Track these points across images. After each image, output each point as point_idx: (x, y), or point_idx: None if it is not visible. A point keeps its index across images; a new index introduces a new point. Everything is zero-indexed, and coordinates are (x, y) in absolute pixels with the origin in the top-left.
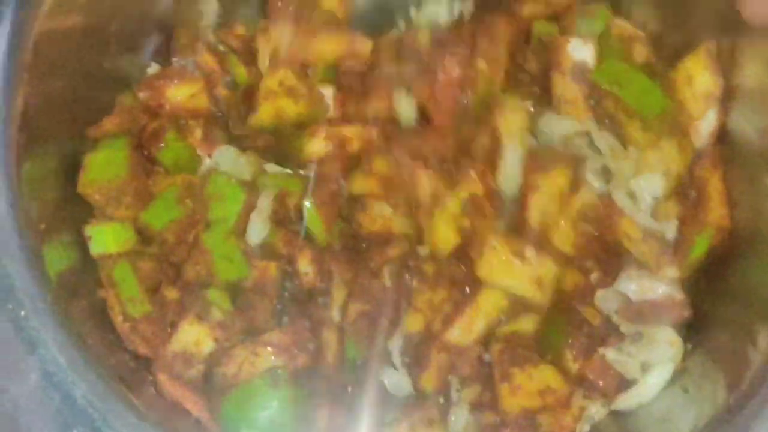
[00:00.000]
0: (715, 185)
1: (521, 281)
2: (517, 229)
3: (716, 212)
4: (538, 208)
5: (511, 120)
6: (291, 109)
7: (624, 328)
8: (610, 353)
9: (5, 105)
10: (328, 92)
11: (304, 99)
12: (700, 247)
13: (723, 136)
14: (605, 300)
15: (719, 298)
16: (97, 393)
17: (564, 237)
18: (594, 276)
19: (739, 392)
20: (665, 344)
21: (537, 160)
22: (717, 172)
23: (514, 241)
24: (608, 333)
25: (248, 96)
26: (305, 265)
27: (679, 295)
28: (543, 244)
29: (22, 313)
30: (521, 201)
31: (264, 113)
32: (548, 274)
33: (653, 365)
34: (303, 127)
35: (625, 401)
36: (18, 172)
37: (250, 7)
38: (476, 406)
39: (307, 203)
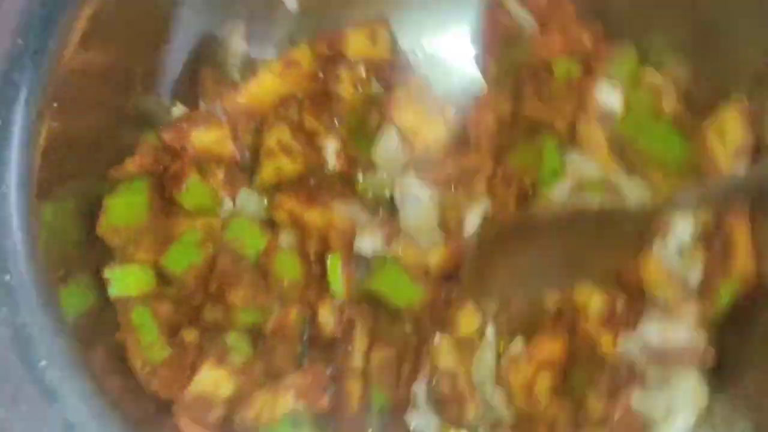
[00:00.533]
0: (742, 236)
1: None
2: None
3: (743, 263)
4: None
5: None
6: (289, 168)
7: (648, 372)
8: (634, 396)
9: (27, 145)
10: (330, 146)
11: (301, 158)
12: (725, 295)
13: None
14: (627, 343)
15: (745, 345)
16: None
17: None
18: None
19: None
20: (689, 391)
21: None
22: (744, 223)
23: None
24: (632, 376)
25: (256, 153)
26: (326, 315)
27: (701, 343)
28: None
29: (42, 363)
30: None
31: (266, 170)
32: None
33: (678, 410)
34: None
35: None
36: (37, 214)
37: (276, 45)
38: None
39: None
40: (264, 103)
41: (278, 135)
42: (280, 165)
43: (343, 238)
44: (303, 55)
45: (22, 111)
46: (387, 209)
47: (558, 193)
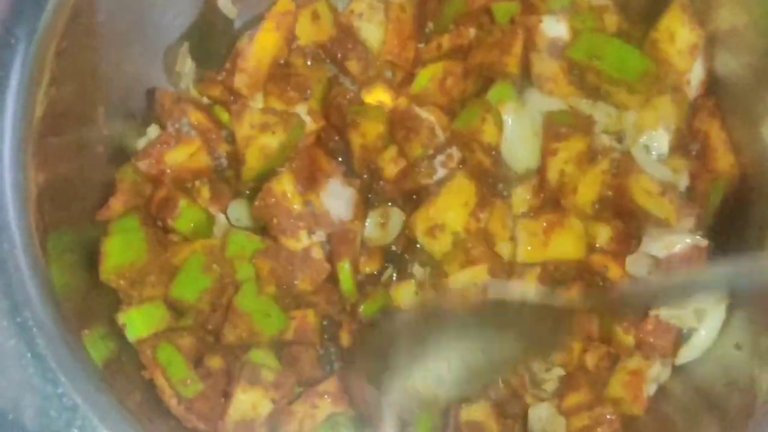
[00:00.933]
0: (716, 134)
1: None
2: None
3: (723, 160)
4: (557, 172)
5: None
6: (272, 141)
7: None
8: (662, 312)
9: (24, 210)
10: (302, 109)
11: (280, 126)
12: (715, 195)
13: (714, 86)
14: (635, 265)
15: (741, 249)
16: None
17: (584, 200)
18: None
19: None
20: None
21: (553, 127)
22: (716, 122)
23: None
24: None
25: (236, 157)
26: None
27: (703, 242)
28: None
29: (93, 423)
30: (541, 169)
31: (252, 160)
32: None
33: (706, 311)
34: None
35: (686, 354)
36: (48, 271)
37: (220, 56)
38: None
39: (345, 265)
40: (265, 66)
41: (248, 119)
42: (262, 144)
43: (349, 242)
44: (287, 3)
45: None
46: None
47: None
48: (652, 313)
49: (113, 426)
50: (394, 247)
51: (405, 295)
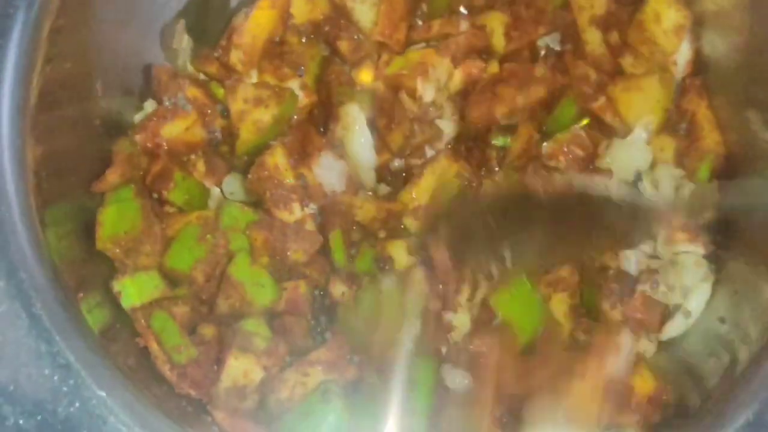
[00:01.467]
0: (704, 114)
1: None
2: None
3: (710, 139)
4: None
5: None
6: (266, 115)
7: (654, 264)
8: (648, 289)
9: (21, 179)
10: (294, 84)
11: (273, 99)
12: (702, 173)
13: (701, 67)
14: (629, 262)
15: (730, 227)
16: None
17: None
18: None
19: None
20: (694, 266)
21: None
22: (703, 102)
23: None
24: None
25: (230, 131)
26: (338, 288)
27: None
28: None
29: (86, 382)
30: None
31: (245, 134)
32: None
33: (692, 288)
34: None
35: (672, 329)
36: (45, 239)
37: (217, 33)
38: None
39: (337, 236)
40: (260, 42)
41: (242, 94)
42: (256, 118)
43: (341, 214)
44: None
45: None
46: None
47: None
48: (639, 288)
49: (106, 385)
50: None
51: (398, 249)
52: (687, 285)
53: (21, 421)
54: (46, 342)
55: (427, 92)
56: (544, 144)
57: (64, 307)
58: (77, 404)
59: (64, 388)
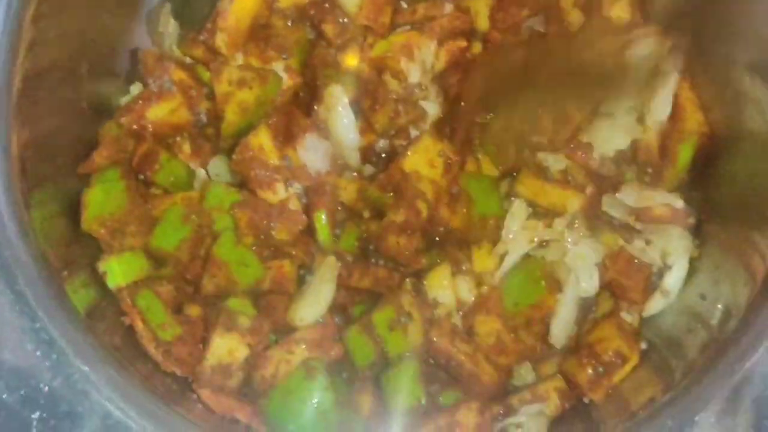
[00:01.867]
0: (686, 95)
1: None
2: None
3: (693, 120)
4: None
5: None
6: (250, 97)
7: (639, 225)
8: (630, 246)
9: (5, 158)
10: (279, 66)
11: (257, 81)
12: (685, 153)
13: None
14: (611, 206)
15: (714, 206)
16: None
17: None
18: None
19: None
20: (677, 237)
21: None
22: (685, 83)
23: None
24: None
25: (215, 114)
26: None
27: (678, 203)
28: None
29: (69, 357)
30: None
31: (230, 115)
32: None
33: (670, 256)
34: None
35: (653, 305)
36: (30, 220)
37: (203, 17)
38: None
39: (321, 216)
40: (244, 26)
41: (227, 76)
42: (240, 99)
43: (325, 194)
44: None
45: None
46: None
47: None
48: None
49: (89, 360)
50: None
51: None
52: (667, 250)
53: (4, 396)
54: (30, 318)
55: (412, 73)
56: None
57: (47, 285)
58: (60, 379)
59: (47, 363)
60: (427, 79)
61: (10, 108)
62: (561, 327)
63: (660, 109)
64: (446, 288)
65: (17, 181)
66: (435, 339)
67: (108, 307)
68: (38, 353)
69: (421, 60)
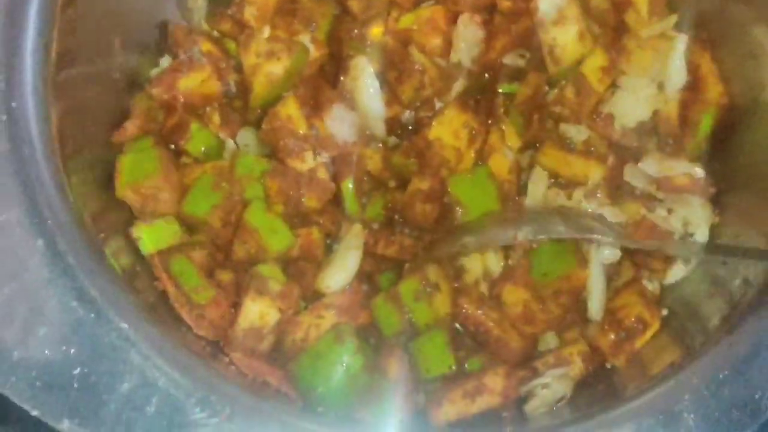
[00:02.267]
0: (707, 66)
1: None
2: None
3: (714, 90)
4: None
5: None
6: (278, 68)
7: (661, 195)
8: (652, 215)
9: (45, 126)
10: (305, 38)
11: (284, 52)
12: (705, 124)
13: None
14: (633, 176)
15: (734, 176)
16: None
17: None
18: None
19: None
20: (699, 206)
21: None
22: (707, 54)
23: None
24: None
25: (244, 85)
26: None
27: (699, 173)
28: None
29: (109, 316)
30: None
31: (258, 87)
32: None
33: (691, 224)
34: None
35: (674, 272)
36: (69, 185)
37: None
38: None
39: (348, 184)
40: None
41: (255, 48)
42: (268, 71)
43: (352, 164)
44: None
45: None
46: None
47: None
48: (642, 211)
49: (127, 318)
50: None
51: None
52: (689, 218)
53: (47, 351)
54: (70, 278)
55: (456, 54)
56: (549, 91)
57: (87, 246)
58: (101, 336)
59: (88, 321)
60: (468, 60)
61: (48, 80)
62: (596, 301)
63: (675, 75)
64: (474, 258)
65: (57, 149)
66: (464, 306)
67: (142, 272)
68: (80, 311)
69: (467, 39)
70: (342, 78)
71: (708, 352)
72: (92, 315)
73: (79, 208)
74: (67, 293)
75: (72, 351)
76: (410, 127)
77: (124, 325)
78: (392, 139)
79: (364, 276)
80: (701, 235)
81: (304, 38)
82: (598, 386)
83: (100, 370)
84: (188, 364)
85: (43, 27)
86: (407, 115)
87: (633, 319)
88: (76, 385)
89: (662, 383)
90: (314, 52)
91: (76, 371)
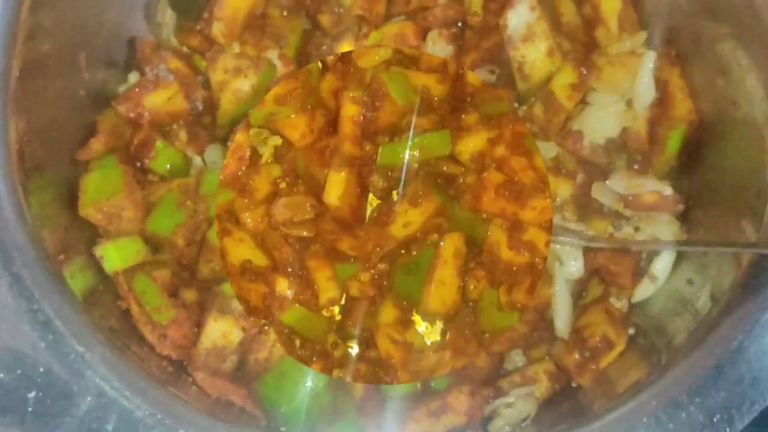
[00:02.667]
0: (676, 83)
1: None
2: None
3: (682, 107)
4: None
5: None
6: (245, 85)
7: (629, 212)
8: (619, 233)
9: (2, 144)
10: (273, 54)
11: (251, 69)
12: (674, 141)
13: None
14: (600, 193)
15: (702, 193)
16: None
17: None
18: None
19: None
20: (666, 224)
21: None
22: (675, 70)
23: None
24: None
25: (212, 102)
26: None
27: (667, 190)
28: None
29: (65, 338)
30: None
31: (226, 103)
32: None
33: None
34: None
35: (642, 290)
36: (27, 206)
37: (200, 7)
38: None
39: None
40: (241, 15)
41: (222, 64)
42: (235, 88)
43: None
44: None
45: None
46: None
47: None
48: (609, 230)
49: (85, 341)
50: None
51: None
52: (656, 236)
53: (1, 375)
54: (26, 299)
55: None
56: (519, 107)
57: (44, 267)
58: (56, 359)
59: (43, 344)
60: None
61: (8, 95)
62: (562, 319)
63: (644, 92)
64: None
65: (15, 167)
66: None
67: (105, 291)
68: (35, 334)
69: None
70: None
71: (667, 374)
72: (50, 337)
73: (38, 228)
74: (23, 315)
75: (27, 374)
76: None
77: (81, 348)
78: None
79: None
80: (668, 253)
81: (272, 54)
82: (564, 405)
83: (55, 392)
84: (145, 387)
85: (4, 40)
86: None
87: (598, 339)
88: (30, 409)
89: (623, 405)
90: (282, 69)
91: (31, 394)
